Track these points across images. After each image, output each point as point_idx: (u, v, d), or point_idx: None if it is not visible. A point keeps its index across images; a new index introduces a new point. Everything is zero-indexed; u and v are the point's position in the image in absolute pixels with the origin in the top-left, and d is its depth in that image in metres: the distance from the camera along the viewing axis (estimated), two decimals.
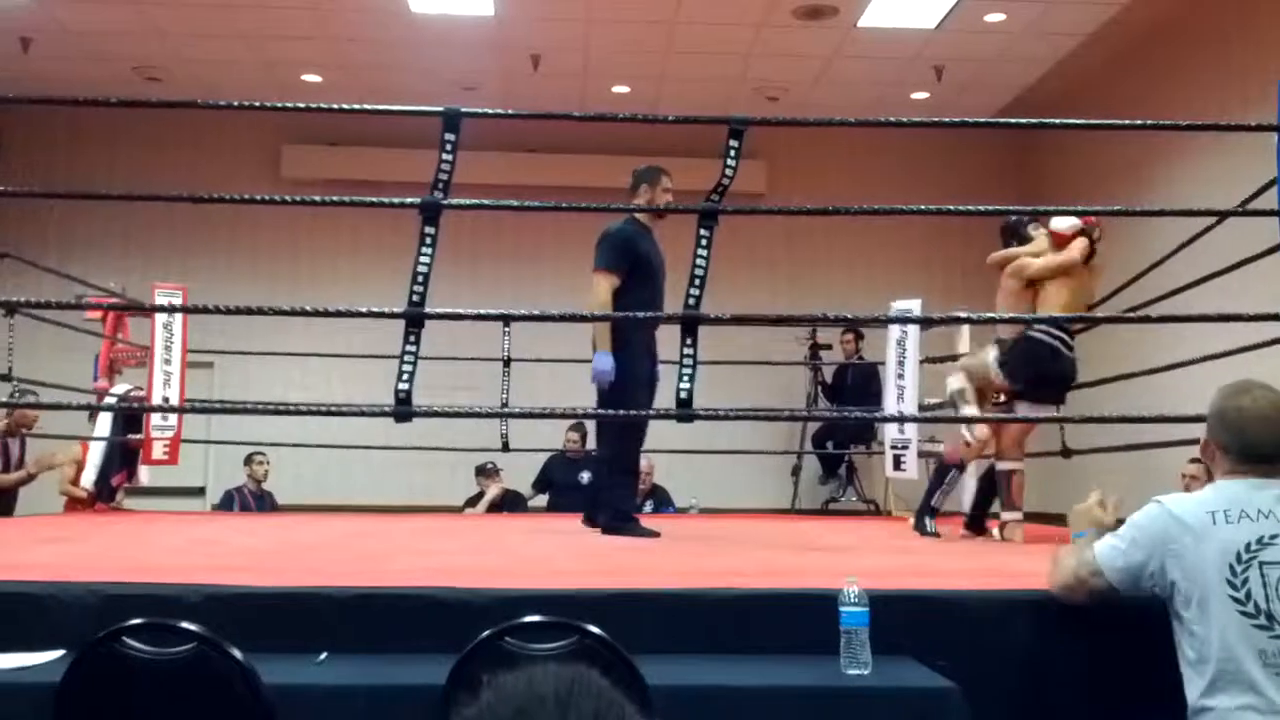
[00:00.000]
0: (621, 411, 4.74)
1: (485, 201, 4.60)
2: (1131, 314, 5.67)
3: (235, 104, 4.44)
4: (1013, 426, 4.99)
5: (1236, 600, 2.24)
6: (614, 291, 4.91)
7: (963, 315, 5.31)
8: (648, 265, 4.98)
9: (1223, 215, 4.89)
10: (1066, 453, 5.90)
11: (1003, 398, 5.04)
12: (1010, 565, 3.88)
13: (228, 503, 8.41)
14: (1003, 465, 5.01)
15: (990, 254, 5.24)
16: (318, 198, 4.90)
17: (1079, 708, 2.77)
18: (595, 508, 5.22)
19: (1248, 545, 2.28)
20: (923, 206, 4.48)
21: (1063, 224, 5.04)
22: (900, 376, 7.07)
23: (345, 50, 8.95)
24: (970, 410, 4.94)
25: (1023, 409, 4.92)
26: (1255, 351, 4.59)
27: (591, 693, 0.98)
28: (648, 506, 8.14)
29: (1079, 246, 4.95)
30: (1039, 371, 4.86)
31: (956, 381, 5.02)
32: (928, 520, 5.06)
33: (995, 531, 5.02)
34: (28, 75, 9.05)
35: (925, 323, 6.59)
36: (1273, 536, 2.29)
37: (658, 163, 5.32)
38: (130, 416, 6.99)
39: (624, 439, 5.07)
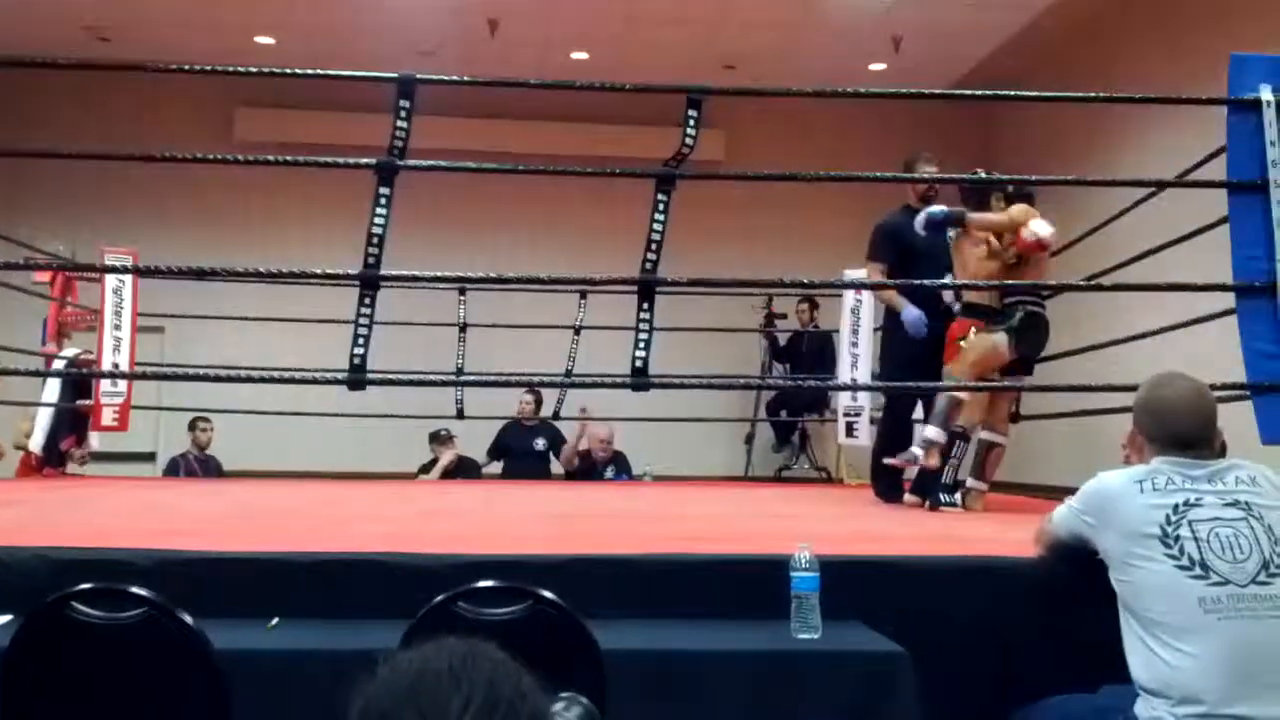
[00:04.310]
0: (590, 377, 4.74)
1: (441, 163, 4.56)
2: (1082, 282, 5.72)
3: (186, 68, 4.36)
4: (1000, 399, 5.03)
5: (1171, 556, 2.36)
6: (888, 275, 5.39)
7: (916, 282, 5.30)
8: (910, 250, 5.27)
9: (1175, 185, 4.94)
10: (1015, 418, 5.95)
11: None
12: (961, 532, 3.93)
13: (173, 470, 8.33)
14: (987, 436, 5.02)
15: (974, 215, 4.99)
16: (272, 157, 4.81)
17: (1028, 672, 2.81)
18: (879, 471, 5.46)
19: (1175, 507, 2.42)
20: (878, 174, 4.48)
21: (1040, 232, 4.89)
22: (854, 344, 7.13)
23: (299, 12, 8.80)
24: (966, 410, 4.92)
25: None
26: (1202, 325, 4.65)
27: (486, 663, 1.00)
28: (609, 473, 8.17)
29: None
30: (1043, 343, 4.92)
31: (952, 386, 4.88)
32: (943, 496, 4.84)
33: (957, 497, 4.96)
34: None
35: (878, 288, 6.59)
36: (1198, 499, 2.42)
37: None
38: (80, 381, 6.90)
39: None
